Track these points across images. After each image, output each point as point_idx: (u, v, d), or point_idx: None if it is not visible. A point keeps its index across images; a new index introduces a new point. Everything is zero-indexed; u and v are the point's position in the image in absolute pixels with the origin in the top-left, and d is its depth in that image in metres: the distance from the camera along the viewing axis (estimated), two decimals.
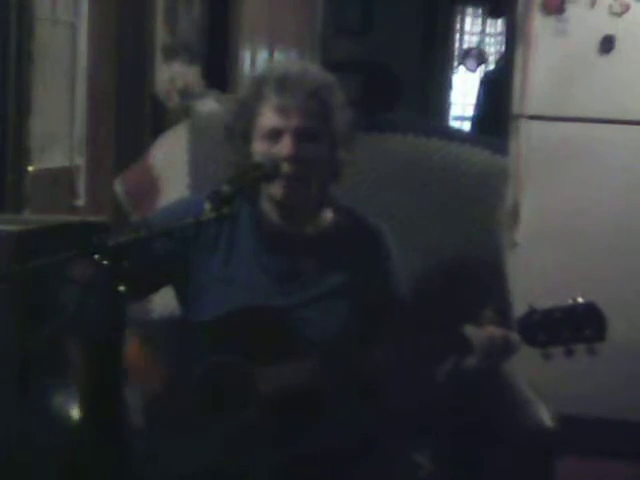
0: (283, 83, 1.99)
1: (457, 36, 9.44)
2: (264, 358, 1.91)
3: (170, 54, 4.54)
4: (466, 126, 8.39)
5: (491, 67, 8.65)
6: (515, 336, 1.86)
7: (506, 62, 4.07)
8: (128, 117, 4.12)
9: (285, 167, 1.97)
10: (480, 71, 8.67)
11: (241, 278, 2.03)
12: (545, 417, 2.10)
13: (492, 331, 1.88)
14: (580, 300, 1.84)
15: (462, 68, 9.17)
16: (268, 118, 1.99)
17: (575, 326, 1.82)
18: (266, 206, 2.07)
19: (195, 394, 1.91)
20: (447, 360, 1.92)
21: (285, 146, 1.97)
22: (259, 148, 2.00)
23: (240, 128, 2.04)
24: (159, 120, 4.22)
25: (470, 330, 1.88)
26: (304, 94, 1.98)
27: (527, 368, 2.18)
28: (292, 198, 2.00)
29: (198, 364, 1.93)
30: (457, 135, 2.54)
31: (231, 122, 2.07)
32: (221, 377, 1.90)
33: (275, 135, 1.98)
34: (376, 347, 1.95)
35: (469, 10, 9.61)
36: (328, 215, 2.11)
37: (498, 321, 1.88)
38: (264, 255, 2.06)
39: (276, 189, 1.99)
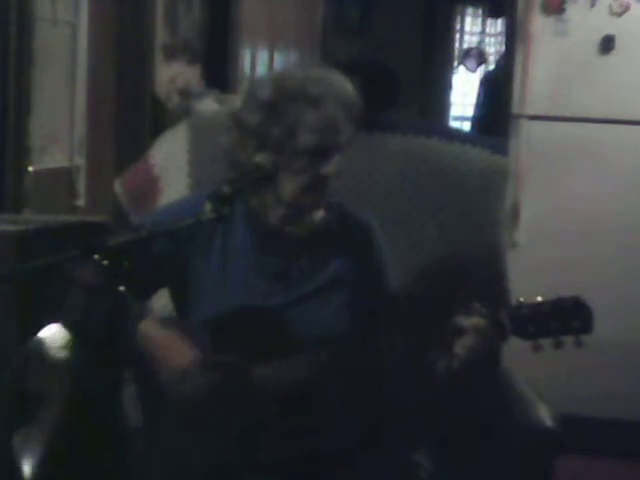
0: (320, 100, 1.96)
1: (457, 36, 9.45)
2: (261, 357, 1.91)
3: (170, 54, 4.54)
4: (466, 126, 8.40)
5: (491, 67, 8.65)
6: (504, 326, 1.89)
7: (506, 62, 4.06)
8: (128, 117, 4.13)
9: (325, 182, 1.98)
10: (480, 71, 8.68)
11: (236, 278, 2.03)
12: (545, 417, 2.10)
13: (479, 321, 1.89)
14: (565, 295, 1.89)
15: (462, 68, 9.18)
16: (307, 135, 1.96)
17: (563, 318, 1.88)
18: (260, 206, 2.06)
19: (193, 394, 1.91)
20: (440, 355, 1.92)
21: (331, 166, 1.96)
22: (298, 164, 1.97)
23: (273, 136, 1.98)
24: (159, 120, 4.23)
25: (458, 320, 1.89)
26: (341, 109, 1.97)
27: (527, 368, 2.18)
28: (304, 203, 2.01)
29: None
30: (457, 135, 2.54)
31: (256, 125, 1.99)
32: (219, 377, 1.90)
33: (316, 152, 1.96)
34: (372, 344, 1.95)
35: (469, 10, 9.63)
36: (320, 213, 2.11)
37: (489, 316, 1.90)
38: (258, 255, 2.05)
39: (288, 190, 1.98)
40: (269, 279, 2.04)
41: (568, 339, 1.87)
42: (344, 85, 2.02)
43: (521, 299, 1.91)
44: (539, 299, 1.90)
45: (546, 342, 1.88)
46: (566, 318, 1.87)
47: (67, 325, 2.02)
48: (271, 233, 2.06)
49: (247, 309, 1.99)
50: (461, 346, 1.88)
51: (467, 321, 1.89)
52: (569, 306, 1.88)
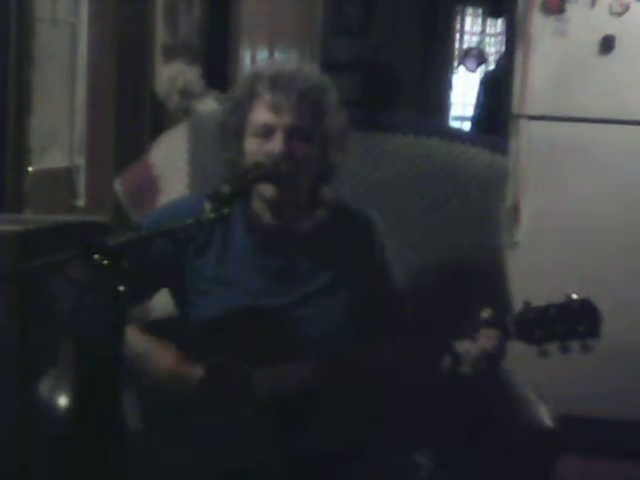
0: (276, 81, 1.99)
1: (457, 36, 9.44)
2: (261, 358, 1.91)
3: (170, 54, 4.54)
4: (466, 126, 8.39)
5: (491, 67, 8.65)
6: (507, 340, 1.87)
7: (506, 62, 4.06)
8: (128, 117, 4.12)
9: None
10: (480, 71, 8.67)
11: (236, 278, 2.03)
12: (545, 417, 2.10)
13: (484, 344, 1.87)
14: (575, 296, 1.85)
15: (462, 68, 9.17)
16: (260, 115, 1.99)
17: (570, 322, 1.83)
18: (258, 205, 2.06)
19: (193, 394, 1.91)
20: (443, 360, 1.91)
21: (276, 143, 1.96)
22: (250, 145, 2.00)
23: (232, 124, 2.03)
24: (159, 120, 4.22)
25: (463, 345, 1.87)
26: (297, 92, 1.97)
27: (528, 368, 2.18)
28: (281, 196, 1.99)
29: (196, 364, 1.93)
30: (457, 135, 2.54)
31: (225, 118, 2.06)
32: (218, 377, 1.90)
33: (267, 132, 1.98)
34: (374, 344, 1.95)
35: (469, 10, 9.61)
36: (320, 211, 2.11)
37: (496, 322, 1.88)
38: (258, 254, 2.05)
39: (266, 187, 1.98)
40: (269, 278, 2.04)
41: (575, 344, 1.82)
42: (301, 71, 2.02)
43: (530, 303, 1.85)
44: (547, 302, 1.84)
45: (552, 347, 1.84)
46: (574, 322, 1.82)
47: (67, 325, 2.02)
48: (269, 232, 2.06)
49: (247, 309, 1.99)
50: (469, 354, 1.87)
51: (476, 330, 1.87)
52: (577, 309, 1.83)
